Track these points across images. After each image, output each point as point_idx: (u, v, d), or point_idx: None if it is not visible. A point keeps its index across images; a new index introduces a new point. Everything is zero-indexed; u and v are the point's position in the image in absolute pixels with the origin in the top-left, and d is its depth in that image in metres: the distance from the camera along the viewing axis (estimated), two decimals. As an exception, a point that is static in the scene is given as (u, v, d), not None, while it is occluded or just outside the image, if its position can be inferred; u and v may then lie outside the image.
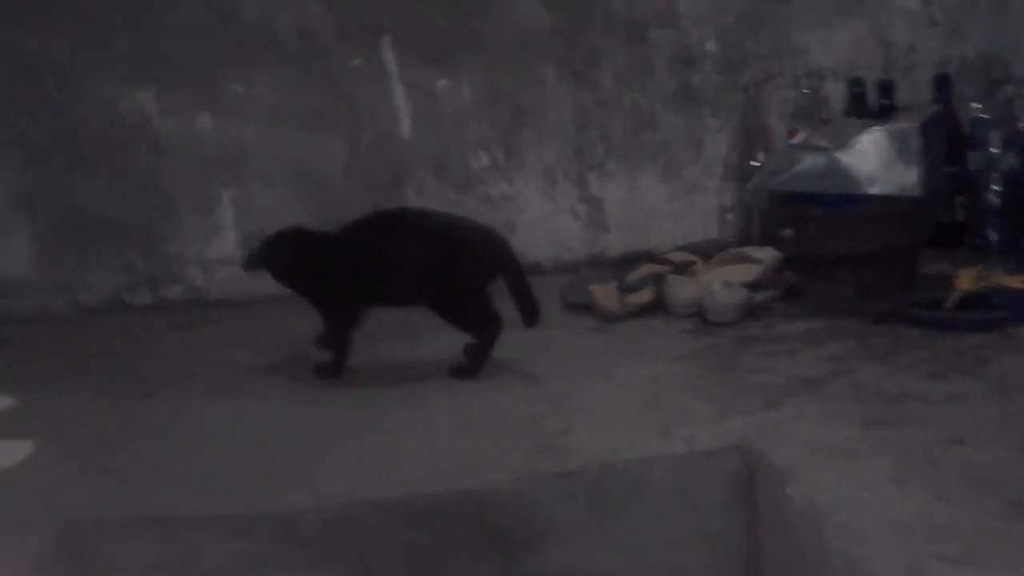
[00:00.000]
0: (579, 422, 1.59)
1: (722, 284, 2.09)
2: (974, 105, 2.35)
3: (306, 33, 2.32)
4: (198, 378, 1.89)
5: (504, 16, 2.37)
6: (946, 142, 2.20)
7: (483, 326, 1.80)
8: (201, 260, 2.37)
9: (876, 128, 1.93)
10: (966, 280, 1.99)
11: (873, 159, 1.92)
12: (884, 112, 2.33)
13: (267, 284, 2.03)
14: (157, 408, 1.76)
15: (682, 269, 2.23)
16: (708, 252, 2.33)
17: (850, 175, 1.92)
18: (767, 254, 2.21)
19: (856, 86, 2.35)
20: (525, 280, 1.80)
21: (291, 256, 1.83)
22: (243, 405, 1.75)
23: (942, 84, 2.38)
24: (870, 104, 2.36)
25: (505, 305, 1.81)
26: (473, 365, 1.80)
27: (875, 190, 1.91)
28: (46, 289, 2.30)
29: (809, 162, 1.97)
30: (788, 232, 2.10)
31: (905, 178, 1.90)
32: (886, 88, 2.37)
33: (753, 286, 2.13)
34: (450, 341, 1.82)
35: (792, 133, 2.35)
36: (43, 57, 2.23)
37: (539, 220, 2.48)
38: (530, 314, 1.79)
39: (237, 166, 2.35)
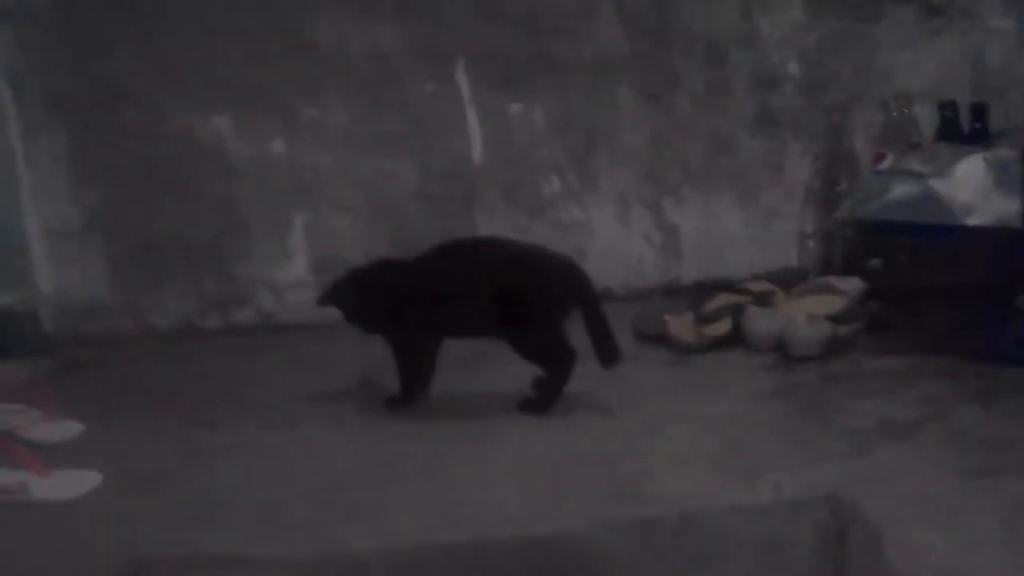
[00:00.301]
0: (657, 464, 1.52)
1: (806, 316, 1.99)
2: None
3: (380, 58, 2.29)
4: (265, 407, 1.87)
5: (580, 39, 2.31)
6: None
7: (557, 360, 1.73)
8: (272, 284, 2.36)
9: (975, 155, 1.81)
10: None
11: (971, 188, 1.81)
12: (976, 137, 2.21)
13: (337, 309, 2.02)
14: (224, 438, 1.73)
15: (762, 300, 2.14)
16: (787, 281, 2.24)
17: (946, 204, 1.82)
18: (851, 285, 2.11)
19: (948, 110, 2.23)
20: (603, 315, 1.73)
21: (361, 295, 1.80)
22: (310, 437, 1.72)
23: (1039, 107, 2.25)
24: (962, 128, 2.24)
25: (578, 337, 1.74)
26: (544, 400, 1.74)
27: (973, 220, 1.80)
28: (119, 312, 2.30)
29: (903, 190, 1.86)
30: (876, 262, 2.01)
31: (1005, 208, 1.79)
32: (979, 111, 2.25)
33: (837, 319, 2.03)
34: (524, 372, 1.77)
35: (879, 158, 2.25)
36: (123, 83, 2.25)
37: (611, 246, 2.41)
38: (608, 354, 1.72)
39: (310, 191, 2.33)
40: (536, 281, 1.72)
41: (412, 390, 1.80)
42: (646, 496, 1.42)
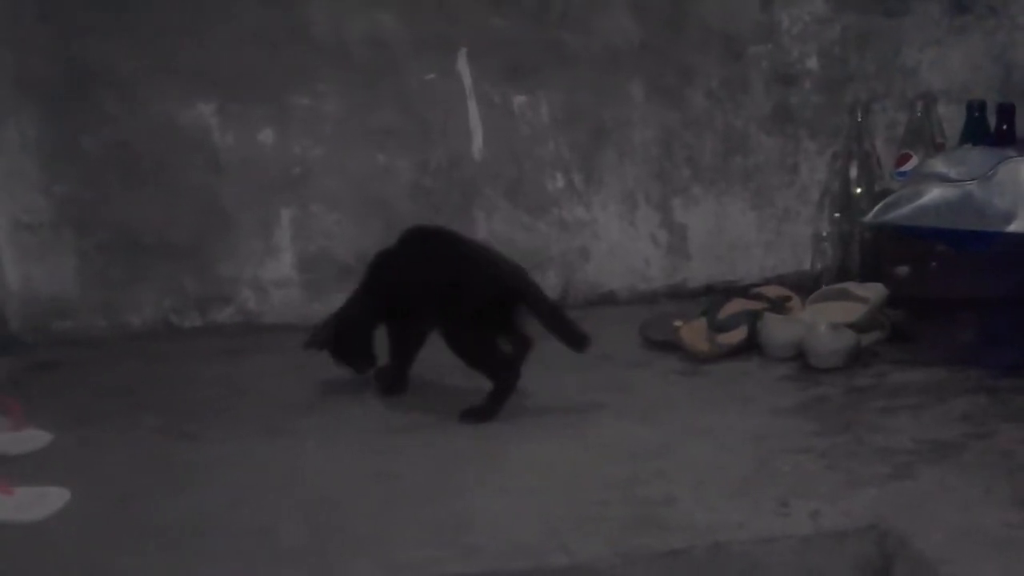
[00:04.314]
0: (680, 488, 1.40)
1: (829, 325, 1.88)
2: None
3: (377, 45, 2.17)
4: (250, 415, 1.74)
5: (590, 29, 2.20)
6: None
7: (494, 369, 1.66)
8: (256, 282, 2.23)
9: (1016, 158, 1.71)
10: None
11: (1012, 193, 1.70)
12: (1003, 139, 2.12)
13: (325, 308, 1.91)
14: (206, 450, 1.60)
15: (777, 306, 2.03)
16: (800, 286, 2.15)
17: (985, 210, 1.71)
18: (872, 292, 2.00)
19: (976, 110, 2.14)
20: (554, 306, 1.67)
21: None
22: (299, 451, 1.59)
23: (1068, 110, 2.15)
24: (990, 130, 2.15)
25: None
26: (487, 408, 1.64)
27: (1013, 227, 1.69)
28: (91, 309, 2.17)
29: (938, 194, 1.75)
30: (904, 269, 1.90)
31: (1048, 215, 1.68)
32: (1006, 113, 2.16)
33: (856, 327, 1.92)
34: (531, 382, 1.65)
35: (903, 159, 2.16)
36: (100, 67, 2.10)
37: (616, 246, 2.31)
38: (574, 339, 1.63)
39: (299, 184, 2.20)
40: (472, 279, 1.66)
41: (403, 370, 1.78)
42: (671, 524, 1.30)
